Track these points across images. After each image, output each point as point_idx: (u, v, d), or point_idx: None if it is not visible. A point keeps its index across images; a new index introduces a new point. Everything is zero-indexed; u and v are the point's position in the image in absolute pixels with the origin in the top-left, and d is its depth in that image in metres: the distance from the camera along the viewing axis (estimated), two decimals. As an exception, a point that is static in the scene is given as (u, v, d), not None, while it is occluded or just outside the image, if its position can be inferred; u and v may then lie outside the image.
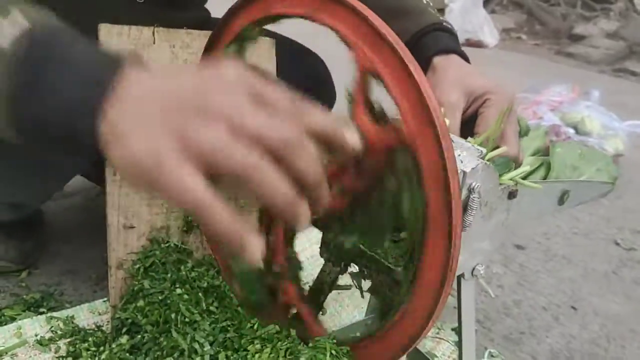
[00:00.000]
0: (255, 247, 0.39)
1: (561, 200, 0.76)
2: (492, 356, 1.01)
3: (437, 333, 1.02)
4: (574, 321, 1.17)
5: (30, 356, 0.83)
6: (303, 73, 0.90)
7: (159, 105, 0.40)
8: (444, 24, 0.84)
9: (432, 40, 0.79)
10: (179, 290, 0.86)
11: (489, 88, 0.75)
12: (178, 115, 0.39)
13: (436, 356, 0.93)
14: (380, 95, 0.54)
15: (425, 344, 0.98)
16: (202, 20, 1.03)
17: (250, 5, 0.62)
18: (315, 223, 0.66)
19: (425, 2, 0.87)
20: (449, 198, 0.49)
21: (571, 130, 1.83)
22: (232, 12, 0.66)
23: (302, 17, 0.56)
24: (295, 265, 0.72)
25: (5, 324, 0.89)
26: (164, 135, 0.39)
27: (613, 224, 1.64)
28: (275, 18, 0.60)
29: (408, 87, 0.49)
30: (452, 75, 0.77)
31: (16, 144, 0.47)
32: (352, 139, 0.44)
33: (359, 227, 0.61)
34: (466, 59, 0.82)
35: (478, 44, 3.81)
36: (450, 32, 0.84)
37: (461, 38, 3.92)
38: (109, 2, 0.88)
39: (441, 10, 4.33)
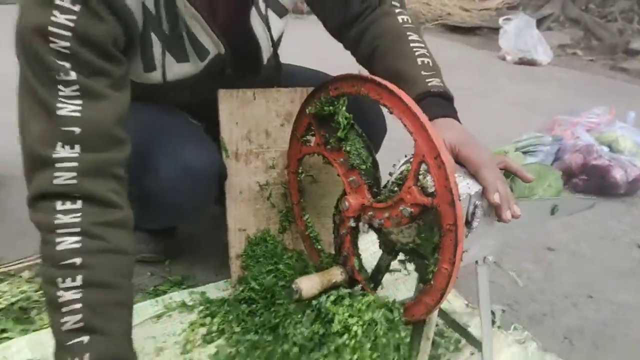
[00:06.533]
0: None
1: (552, 212, 1.06)
2: (515, 329, 1.29)
3: (473, 310, 1.32)
4: (589, 307, 1.43)
5: (181, 316, 1.22)
6: (358, 110, 1.01)
7: None
8: (433, 90, 0.97)
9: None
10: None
11: (480, 163, 0.89)
12: None
13: (469, 326, 1.23)
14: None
15: (462, 317, 1.29)
16: (275, 79, 1.32)
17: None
18: (379, 231, 0.99)
19: (422, 63, 1.01)
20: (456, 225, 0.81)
21: (605, 149, 2.07)
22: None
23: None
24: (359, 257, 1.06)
25: (162, 295, 1.28)
26: None
27: (639, 230, 1.86)
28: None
29: (439, 173, 0.81)
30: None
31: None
32: None
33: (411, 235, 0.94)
34: (457, 119, 0.97)
35: (531, 62, 4.01)
36: (442, 96, 0.98)
37: (515, 57, 4.17)
38: (208, 78, 1.15)
39: (495, 30, 4.55)
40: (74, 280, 0.74)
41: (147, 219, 1.31)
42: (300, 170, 1.16)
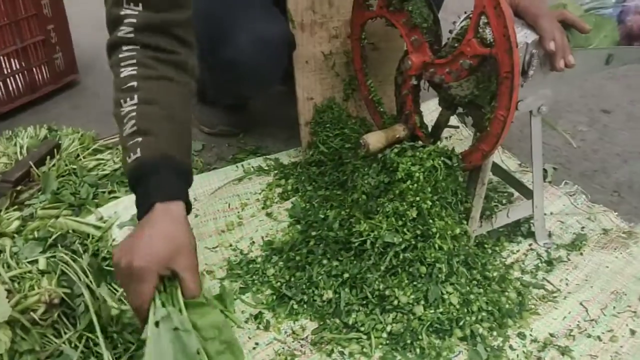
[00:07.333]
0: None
1: (607, 62, 1.10)
2: (567, 184, 1.38)
3: (525, 169, 1.42)
4: (640, 164, 1.49)
5: (259, 178, 1.37)
6: None
7: (161, 233, 0.79)
8: None
9: None
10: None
11: (538, 14, 0.96)
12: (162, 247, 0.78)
13: (522, 181, 1.33)
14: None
15: (515, 175, 1.38)
16: None
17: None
18: (439, 87, 1.07)
19: None
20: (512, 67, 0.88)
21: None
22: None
23: None
24: (420, 114, 1.16)
25: (240, 162, 1.43)
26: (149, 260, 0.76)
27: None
28: None
29: (498, 22, 0.87)
30: None
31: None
32: None
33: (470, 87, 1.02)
34: None
35: None
36: None
37: None
38: None
39: None
40: (132, 99, 0.89)
41: (223, 92, 1.44)
42: (363, 36, 1.23)
